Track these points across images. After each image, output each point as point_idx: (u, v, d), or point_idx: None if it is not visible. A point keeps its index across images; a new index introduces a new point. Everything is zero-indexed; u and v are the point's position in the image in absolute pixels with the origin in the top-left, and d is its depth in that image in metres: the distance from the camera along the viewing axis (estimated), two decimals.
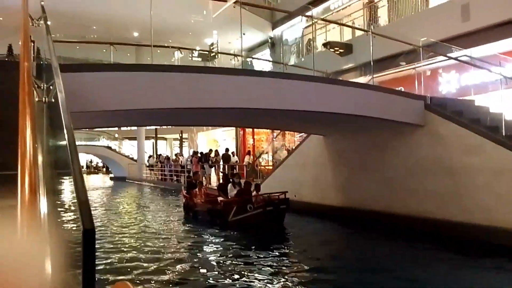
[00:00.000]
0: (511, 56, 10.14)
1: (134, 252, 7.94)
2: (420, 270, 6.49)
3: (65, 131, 1.68)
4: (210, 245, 8.79)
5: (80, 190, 1.18)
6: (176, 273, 6.43)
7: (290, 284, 5.79)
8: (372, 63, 9.24)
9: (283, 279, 6.00)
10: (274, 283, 5.80)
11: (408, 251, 7.66)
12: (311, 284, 5.85)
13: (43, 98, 2.83)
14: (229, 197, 10.73)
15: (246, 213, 9.49)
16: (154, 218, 12.51)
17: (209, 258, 7.50)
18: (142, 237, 9.47)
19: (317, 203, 11.24)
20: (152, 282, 6.02)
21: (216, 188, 13.21)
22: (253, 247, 8.07)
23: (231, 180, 11.94)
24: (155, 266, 6.84)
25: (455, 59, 9.71)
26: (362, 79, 11.70)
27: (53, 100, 2.82)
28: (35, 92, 2.77)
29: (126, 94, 5.97)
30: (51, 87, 2.80)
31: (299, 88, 7.48)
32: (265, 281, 5.87)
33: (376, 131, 9.68)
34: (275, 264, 6.85)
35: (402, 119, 8.63)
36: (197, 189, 11.98)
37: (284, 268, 6.73)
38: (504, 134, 7.72)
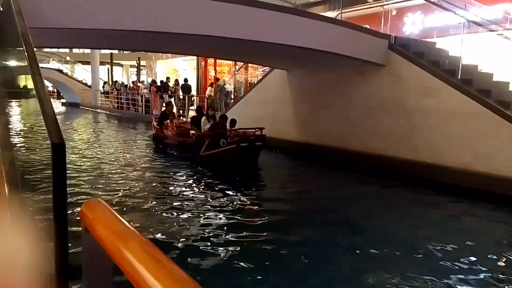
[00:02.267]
0: (477, 0, 10.22)
1: (98, 180, 7.81)
2: (366, 201, 7.11)
3: (20, 36, 1.51)
4: (177, 179, 8.53)
5: (45, 103, 1.08)
6: (140, 203, 6.40)
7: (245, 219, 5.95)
8: None
9: (244, 215, 6.05)
10: (237, 217, 5.87)
11: (360, 185, 8.16)
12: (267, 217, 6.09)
13: None
14: (202, 131, 10.25)
15: (218, 148, 9.12)
16: (119, 148, 12.14)
17: (173, 192, 7.39)
18: (106, 167, 9.17)
19: (277, 137, 11.41)
20: (115, 204, 6.04)
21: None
22: (220, 182, 7.98)
23: (205, 112, 11.25)
24: (118, 194, 6.83)
25: None
26: (330, 14, 11.46)
27: (1, 9, 2.53)
28: None
29: (81, 11, 5.50)
30: None
31: (264, 17, 7.21)
32: (229, 215, 5.94)
33: (339, 68, 9.71)
34: (240, 199, 6.87)
35: (366, 58, 8.67)
36: (168, 121, 11.47)
37: (248, 203, 6.75)
38: (459, 78, 8.00)
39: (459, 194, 7.12)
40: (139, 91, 22.74)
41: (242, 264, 4.26)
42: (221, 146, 9.10)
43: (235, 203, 6.61)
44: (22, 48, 1.78)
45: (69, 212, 1.35)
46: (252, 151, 8.99)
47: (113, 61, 32.13)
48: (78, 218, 0.95)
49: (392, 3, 9.52)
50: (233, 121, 9.89)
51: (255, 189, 8.04)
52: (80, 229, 0.98)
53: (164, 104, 19.11)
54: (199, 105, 14.70)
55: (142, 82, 24.84)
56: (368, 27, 10.88)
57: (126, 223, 0.83)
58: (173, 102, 19.28)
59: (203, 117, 10.64)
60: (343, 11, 9.81)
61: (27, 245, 1.09)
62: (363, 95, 9.44)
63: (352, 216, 6.22)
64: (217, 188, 7.53)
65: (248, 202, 6.76)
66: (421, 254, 4.64)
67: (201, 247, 4.67)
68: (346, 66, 9.34)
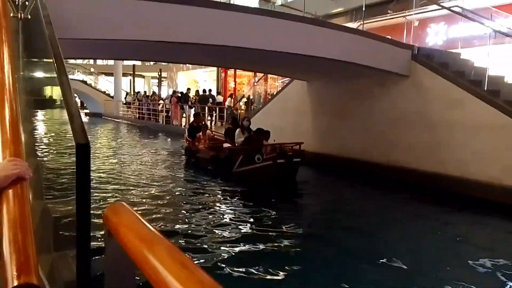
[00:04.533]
0: (504, 10, 10.01)
1: (126, 192, 7.60)
2: (391, 215, 6.86)
3: (48, 43, 1.51)
4: (208, 196, 7.91)
5: (71, 106, 1.06)
6: (169, 219, 6.14)
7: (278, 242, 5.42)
8: (364, 7, 8.94)
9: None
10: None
11: (382, 198, 7.97)
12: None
13: (19, 14, 2.58)
14: (236, 144, 9.65)
15: (253, 164, 8.44)
16: (149, 160, 11.63)
17: (202, 209, 6.83)
18: (135, 179, 8.82)
19: None
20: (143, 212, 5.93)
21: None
22: (253, 201, 7.52)
23: (240, 124, 10.42)
24: (147, 206, 6.70)
25: (448, 8, 9.50)
26: (351, 25, 11.40)
27: (29, 17, 2.57)
28: (9, 5, 2.52)
29: (107, 22, 5.61)
30: (27, 2, 2.55)
31: (287, 28, 7.21)
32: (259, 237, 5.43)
33: (360, 79, 9.61)
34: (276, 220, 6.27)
35: (388, 68, 8.55)
36: (201, 133, 10.90)
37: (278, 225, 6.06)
38: (486, 88, 7.79)
39: (487, 208, 6.87)
40: (159, 101, 23.04)
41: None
42: (256, 162, 8.42)
43: (273, 226, 5.95)
44: (49, 58, 1.79)
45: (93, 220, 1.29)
46: (290, 168, 8.37)
47: (136, 73, 32.78)
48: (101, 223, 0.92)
49: (414, 14, 9.40)
50: (267, 133, 9.25)
51: (293, 210, 7.45)
52: (103, 233, 0.94)
53: (184, 115, 19.33)
54: (234, 116, 13.69)
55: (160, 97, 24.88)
56: (390, 38, 10.79)
57: (151, 228, 0.79)
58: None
59: (238, 129, 10.01)
60: (364, 22, 9.73)
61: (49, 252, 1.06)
62: (385, 107, 9.28)
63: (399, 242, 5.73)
64: (252, 210, 6.88)
65: (286, 226, 6.02)
66: None
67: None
68: (367, 77, 9.23)
